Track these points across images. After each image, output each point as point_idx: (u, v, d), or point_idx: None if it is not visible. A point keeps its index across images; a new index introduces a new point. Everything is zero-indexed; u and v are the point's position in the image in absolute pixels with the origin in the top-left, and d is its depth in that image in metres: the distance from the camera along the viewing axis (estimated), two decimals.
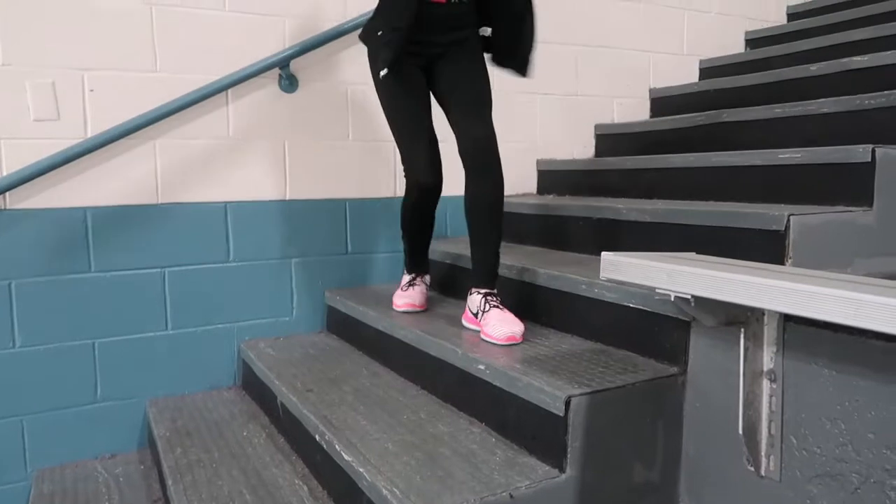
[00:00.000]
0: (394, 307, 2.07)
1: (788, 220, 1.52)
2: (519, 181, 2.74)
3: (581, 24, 2.84)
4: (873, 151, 1.65)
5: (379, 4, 1.81)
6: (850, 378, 1.14)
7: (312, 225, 2.40)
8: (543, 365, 1.49)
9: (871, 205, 1.66)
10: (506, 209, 2.43)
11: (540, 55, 2.66)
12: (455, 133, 1.81)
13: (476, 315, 1.78)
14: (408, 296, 2.07)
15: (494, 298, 1.76)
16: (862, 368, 1.12)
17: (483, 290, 1.78)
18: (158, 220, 2.17)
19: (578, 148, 2.89)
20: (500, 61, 1.87)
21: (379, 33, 1.77)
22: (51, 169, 2.00)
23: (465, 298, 2.06)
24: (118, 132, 2.07)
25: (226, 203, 2.26)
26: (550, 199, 2.48)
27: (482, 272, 1.80)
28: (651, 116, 3.02)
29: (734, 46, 3.28)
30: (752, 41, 3.28)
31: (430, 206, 1.97)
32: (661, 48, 3.08)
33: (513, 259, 2.02)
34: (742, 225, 1.62)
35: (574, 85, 2.86)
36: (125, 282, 2.14)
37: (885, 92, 1.89)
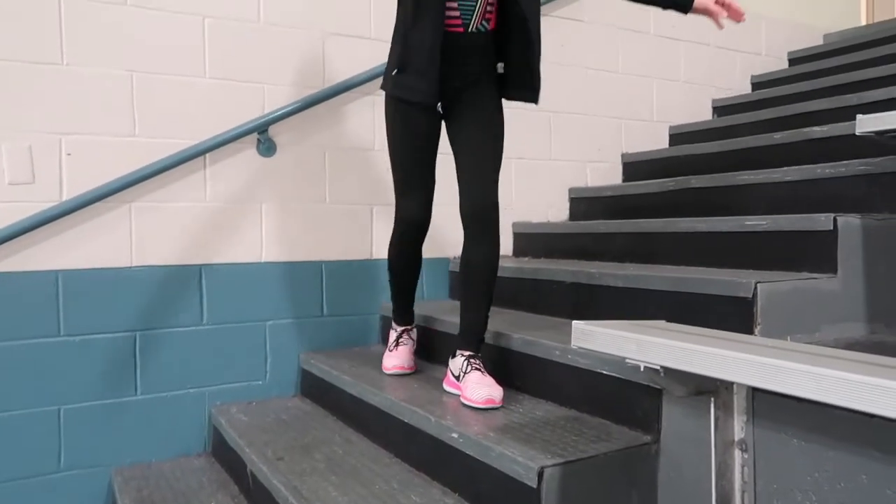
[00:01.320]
0: (383, 369, 2.06)
1: (756, 288, 1.55)
2: None
3: (555, 90, 2.93)
4: (835, 220, 1.71)
5: (395, 46, 1.79)
6: (818, 448, 1.15)
7: (288, 287, 2.39)
8: (517, 433, 1.48)
9: (835, 271, 1.70)
10: None
11: (515, 120, 2.74)
12: (459, 189, 1.79)
13: (458, 378, 1.77)
14: (396, 357, 2.06)
15: (477, 361, 1.76)
16: (828, 439, 1.13)
17: (467, 353, 1.77)
18: (131, 283, 2.15)
19: (553, 211, 2.94)
20: (512, 94, 1.85)
21: (394, 72, 1.77)
22: (24, 232, 1.99)
23: (440, 362, 2.06)
24: (94, 195, 2.08)
25: (201, 266, 2.25)
26: (526, 262, 2.50)
27: (469, 335, 1.79)
28: (624, 180, 3.10)
29: (702, 113, 3.40)
30: (719, 109, 3.41)
31: (416, 241, 1.95)
32: (633, 114, 3.18)
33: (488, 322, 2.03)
34: (711, 291, 1.65)
35: (548, 150, 2.94)
36: (95, 346, 2.10)
37: (843, 162, 1.97)
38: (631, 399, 1.51)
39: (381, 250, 2.55)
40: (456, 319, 2.00)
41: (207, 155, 2.26)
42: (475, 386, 1.68)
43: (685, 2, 1.92)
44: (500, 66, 1.85)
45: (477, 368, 1.74)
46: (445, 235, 2.66)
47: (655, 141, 3.23)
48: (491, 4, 1.77)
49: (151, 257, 2.18)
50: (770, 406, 1.22)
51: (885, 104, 2.38)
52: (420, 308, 2.34)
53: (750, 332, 1.56)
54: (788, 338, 1.60)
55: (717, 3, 1.93)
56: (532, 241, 2.75)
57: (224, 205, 2.29)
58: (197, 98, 2.25)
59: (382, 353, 2.13)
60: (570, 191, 2.98)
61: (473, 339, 1.79)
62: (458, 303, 2.40)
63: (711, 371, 1.04)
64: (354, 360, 2.26)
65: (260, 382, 2.35)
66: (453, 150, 1.85)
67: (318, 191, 2.45)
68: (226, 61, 2.30)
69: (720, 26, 2.00)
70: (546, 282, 2.19)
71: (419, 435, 1.66)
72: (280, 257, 2.38)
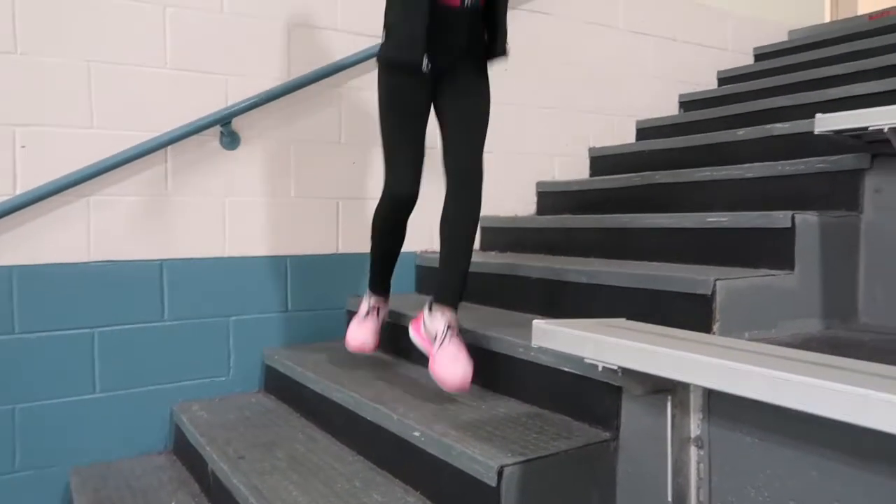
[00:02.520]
0: (346, 343, 2.03)
1: (714, 285, 1.57)
2: None
3: (523, 83, 2.93)
4: (793, 217, 1.73)
5: (388, 22, 1.83)
6: (770, 445, 1.17)
7: (253, 282, 2.36)
8: (479, 431, 1.48)
9: (792, 268, 1.73)
10: None
11: None
12: (445, 149, 1.82)
13: (434, 339, 1.72)
14: (361, 332, 2.02)
15: (455, 329, 1.73)
16: (780, 436, 1.15)
17: (447, 313, 1.73)
18: (89, 279, 2.11)
19: (521, 205, 2.94)
20: (490, 55, 1.88)
21: (387, 38, 1.80)
22: None
23: (407, 358, 2.05)
24: (50, 189, 2.02)
25: (162, 261, 2.21)
26: (493, 257, 2.50)
27: (448, 290, 1.77)
28: (591, 175, 3.11)
29: (669, 108, 3.42)
30: (686, 103, 3.43)
31: (402, 216, 1.93)
32: (600, 109, 3.19)
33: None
34: (672, 288, 1.67)
35: (516, 143, 2.93)
36: (51, 343, 2.05)
37: (804, 159, 2.00)
38: (592, 396, 1.52)
39: (347, 244, 2.53)
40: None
41: (169, 148, 2.22)
42: (449, 363, 1.63)
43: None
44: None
45: (454, 337, 1.70)
46: (413, 229, 2.65)
47: (623, 135, 3.25)
48: None
49: (110, 252, 2.14)
50: (725, 404, 1.24)
51: (846, 102, 2.42)
52: None
53: (709, 328, 1.58)
54: (746, 334, 1.63)
55: None
56: (499, 236, 2.75)
57: (186, 199, 2.25)
58: (158, 89, 2.20)
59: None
60: (538, 185, 2.98)
61: (451, 294, 1.77)
62: (428, 297, 2.40)
63: (666, 372, 1.05)
64: (319, 355, 2.24)
65: (223, 379, 2.32)
66: (441, 120, 1.86)
67: (283, 184, 2.42)
68: (188, 52, 2.25)
69: None
70: (512, 277, 2.19)
71: (382, 432, 1.65)
72: (244, 252, 2.34)
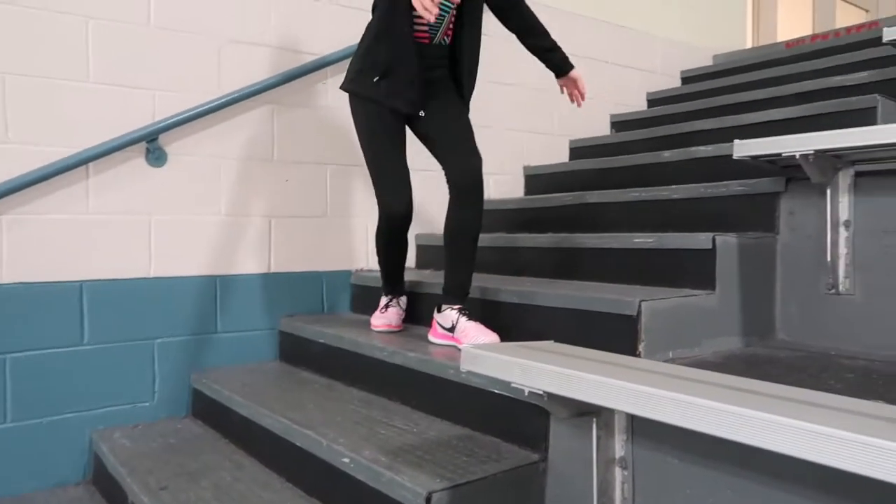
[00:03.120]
0: (371, 328, 2.18)
1: (640, 306, 1.61)
2: None
3: None
4: (714, 239, 1.80)
5: (362, 51, 1.96)
6: (690, 466, 1.20)
7: (180, 303, 2.29)
8: (409, 456, 1.47)
9: (714, 288, 1.79)
10: None
11: None
12: (445, 165, 1.94)
13: (451, 329, 1.89)
14: (385, 317, 2.17)
15: (468, 312, 1.90)
16: (699, 457, 1.18)
17: (457, 306, 1.91)
18: (2, 302, 2.00)
19: None
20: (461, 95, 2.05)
21: (375, 79, 1.92)
22: None
23: (340, 379, 2.04)
24: None
25: (81, 282, 2.12)
26: (427, 275, 2.50)
27: (458, 290, 1.94)
28: (526, 193, 3.15)
29: (602, 128, 3.51)
30: (617, 124, 3.53)
31: (401, 231, 2.04)
32: (535, 128, 3.25)
33: (387, 339, 2.01)
34: (600, 309, 1.70)
35: None
36: None
37: (725, 182, 2.08)
38: (521, 418, 1.53)
39: (279, 263, 2.49)
40: (362, 338, 2.06)
41: (91, 164, 2.13)
42: (476, 333, 1.82)
43: (560, 69, 2.19)
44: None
45: (473, 319, 1.88)
46: (348, 248, 2.63)
47: (557, 154, 3.31)
48: (451, 24, 1.99)
49: (26, 273, 2.03)
50: (648, 426, 1.26)
51: (764, 127, 2.54)
52: (319, 325, 2.30)
53: (635, 347, 1.62)
54: (671, 353, 1.67)
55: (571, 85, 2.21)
56: (435, 254, 2.75)
57: (109, 217, 2.17)
58: (80, 104, 2.12)
59: (280, 370, 2.08)
60: None
61: (461, 292, 1.94)
62: (362, 317, 2.41)
63: (587, 397, 1.07)
64: (250, 377, 2.19)
65: (147, 404, 2.23)
66: (429, 142, 2.01)
67: (212, 202, 2.36)
68: (112, 66, 2.17)
69: (574, 100, 2.25)
70: None
71: (311, 459, 1.62)
72: (170, 272, 2.27)
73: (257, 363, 2.41)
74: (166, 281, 2.26)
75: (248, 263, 2.43)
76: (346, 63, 2.57)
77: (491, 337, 1.82)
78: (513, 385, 1.22)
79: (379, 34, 1.92)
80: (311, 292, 2.56)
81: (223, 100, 2.33)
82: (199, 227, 2.33)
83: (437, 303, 1.97)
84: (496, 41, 3.10)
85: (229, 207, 2.39)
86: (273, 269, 2.48)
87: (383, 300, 2.23)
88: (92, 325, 2.13)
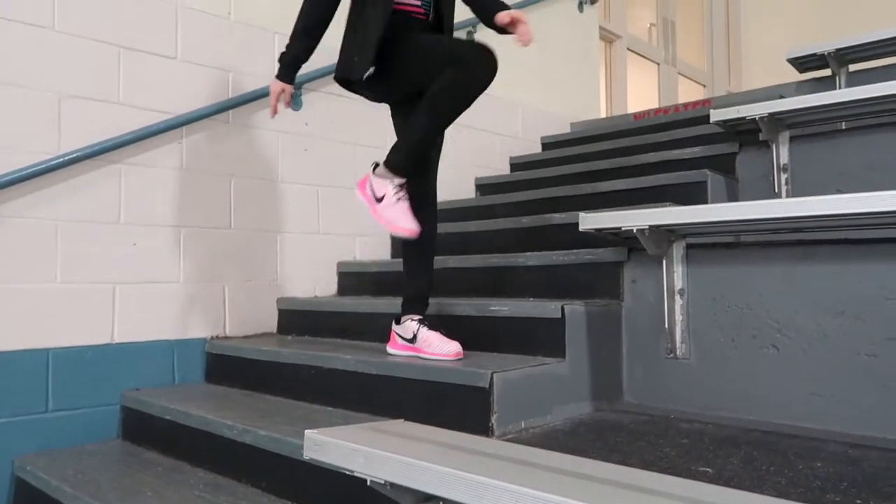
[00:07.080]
0: (396, 231, 1.83)
1: (492, 378, 1.63)
2: (256, 321, 2.65)
3: (322, 164, 2.93)
4: (563, 308, 1.87)
5: (346, 42, 1.95)
6: None
7: (2, 381, 2.06)
8: None
9: (564, 356, 1.86)
10: (239, 355, 2.34)
11: (283, 194, 2.71)
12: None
13: (411, 340, 1.92)
14: (405, 214, 1.83)
15: (428, 323, 1.93)
16: None
17: (417, 317, 1.94)
18: None
19: (321, 285, 2.90)
20: None
21: (355, 59, 1.90)
22: None
23: (184, 458, 1.91)
24: None
25: None
26: (288, 342, 2.42)
27: (419, 300, 1.98)
28: (392, 256, 3.15)
29: (468, 191, 3.61)
30: (482, 187, 3.64)
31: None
32: None
33: (238, 414, 1.91)
34: (455, 381, 1.71)
35: (316, 223, 2.91)
36: None
37: (574, 250, 2.18)
38: (373, 501, 1.48)
39: (125, 332, 2.31)
40: (212, 414, 1.93)
41: None
42: (440, 343, 1.86)
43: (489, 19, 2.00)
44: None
45: (433, 329, 1.90)
46: (203, 313, 2.50)
47: None
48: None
49: None
50: None
51: (611, 196, 2.70)
52: (168, 398, 2.15)
53: (488, 419, 1.64)
54: (523, 423, 1.70)
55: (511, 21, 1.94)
56: (297, 318, 2.67)
57: None
58: None
59: (122, 451, 1.91)
60: (339, 265, 2.97)
61: (421, 302, 1.99)
62: (219, 388, 2.30)
63: (424, 487, 1.05)
64: (85, 462, 1.99)
65: None
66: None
67: (47, 269, 2.17)
68: None
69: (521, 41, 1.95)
70: (304, 367, 2.12)
71: None
72: None
73: (98, 443, 2.21)
74: None
75: (88, 334, 2.24)
76: (202, 123, 2.51)
77: (454, 346, 1.85)
78: (356, 475, 1.19)
79: (367, 12, 1.89)
80: (160, 363, 2.39)
81: (63, 158, 2.18)
82: (31, 296, 2.13)
83: (395, 315, 2.00)
84: (354, 105, 3.14)
85: (67, 274, 2.20)
86: (117, 340, 2.30)
87: (392, 190, 1.84)
88: None
